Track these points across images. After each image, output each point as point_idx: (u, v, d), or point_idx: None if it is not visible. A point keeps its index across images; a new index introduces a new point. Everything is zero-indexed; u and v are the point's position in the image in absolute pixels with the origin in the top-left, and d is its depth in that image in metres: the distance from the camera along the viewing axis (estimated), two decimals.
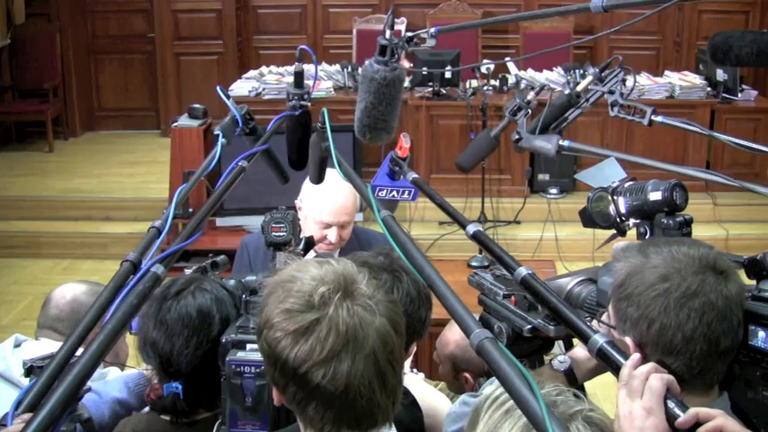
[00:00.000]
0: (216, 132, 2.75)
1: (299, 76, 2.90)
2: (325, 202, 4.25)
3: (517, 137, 2.71)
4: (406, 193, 2.80)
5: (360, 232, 4.65)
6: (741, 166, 9.64)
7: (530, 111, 2.77)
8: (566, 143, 2.57)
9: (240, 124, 2.82)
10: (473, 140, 3.10)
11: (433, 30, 2.63)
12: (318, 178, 3.05)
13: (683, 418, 1.79)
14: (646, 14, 2.45)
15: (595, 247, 8.51)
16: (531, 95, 2.82)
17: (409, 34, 2.62)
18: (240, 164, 2.40)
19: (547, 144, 2.60)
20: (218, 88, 3.04)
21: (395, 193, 2.79)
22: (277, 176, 3.08)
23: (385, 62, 2.55)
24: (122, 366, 3.61)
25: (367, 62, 2.60)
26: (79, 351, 1.67)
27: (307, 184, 4.30)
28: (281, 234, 2.89)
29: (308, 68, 2.83)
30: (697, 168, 2.44)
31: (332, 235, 4.30)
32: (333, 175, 4.14)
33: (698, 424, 1.79)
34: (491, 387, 2.53)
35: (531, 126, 2.73)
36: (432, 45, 2.66)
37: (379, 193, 2.75)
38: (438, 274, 1.76)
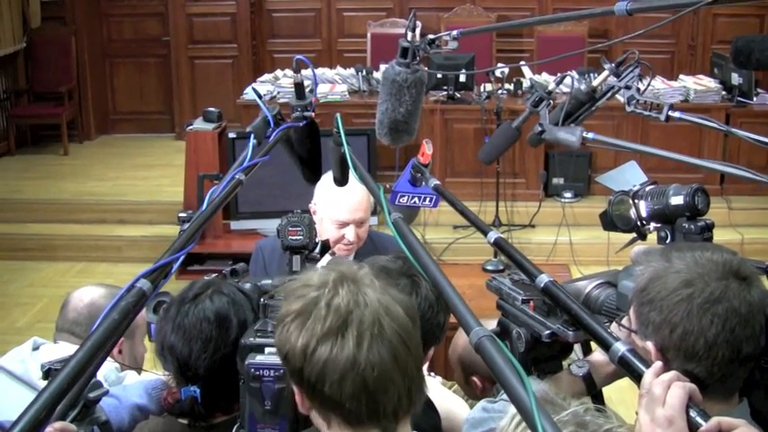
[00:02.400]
0: (247, 131, 2.73)
1: (299, 87, 2.89)
2: (341, 200, 4.25)
3: (540, 129, 2.69)
4: (428, 199, 2.79)
5: (375, 236, 4.65)
6: (756, 168, 9.53)
7: (551, 102, 2.75)
8: (590, 135, 2.55)
9: (272, 125, 2.80)
10: (494, 133, 3.08)
11: (455, 32, 2.63)
12: (342, 180, 3.04)
13: (705, 427, 1.76)
14: (664, 21, 2.43)
15: (610, 250, 8.54)
16: (552, 86, 2.80)
17: (431, 37, 2.62)
18: (237, 176, 2.37)
19: (571, 136, 2.58)
20: (251, 88, 3.05)
21: (416, 199, 2.79)
22: (305, 176, 3.07)
23: (406, 64, 2.55)
24: (139, 370, 3.62)
25: (388, 64, 2.60)
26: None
27: (320, 187, 4.30)
28: (298, 238, 2.88)
29: (322, 72, 2.82)
30: (720, 162, 2.43)
31: (350, 233, 4.30)
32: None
33: None
34: None
35: (551, 120, 2.72)
36: (453, 48, 2.66)
37: (401, 200, 2.75)
38: (443, 275, 1.76)
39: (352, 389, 1.94)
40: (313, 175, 3.06)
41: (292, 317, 1.99)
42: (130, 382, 3.28)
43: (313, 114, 2.89)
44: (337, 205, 4.27)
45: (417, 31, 2.65)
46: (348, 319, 1.93)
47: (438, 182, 2.71)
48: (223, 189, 2.29)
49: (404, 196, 2.76)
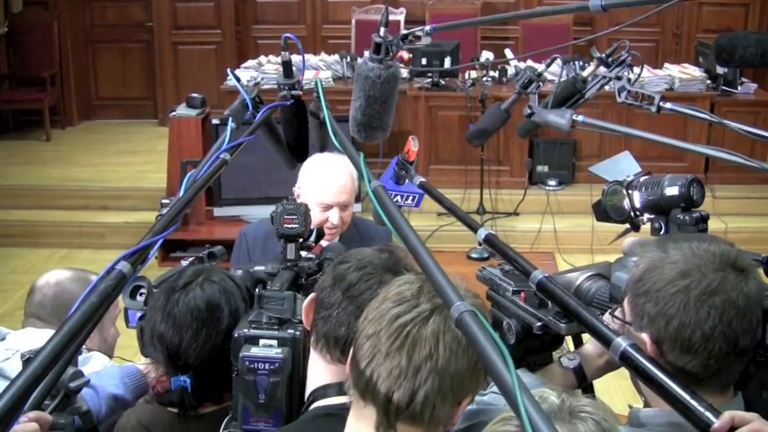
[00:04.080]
0: (225, 115, 2.69)
1: (287, 65, 2.86)
2: (325, 182, 4.25)
3: (529, 111, 2.66)
4: (410, 198, 2.75)
5: (359, 222, 4.64)
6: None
7: (541, 84, 2.73)
8: (580, 118, 2.52)
9: (250, 108, 2.76)
10: (483, 115, 3.05)
11: (428, 28, 2.62)
12: (321, 146, 3.00)
13: (717, 424, 1.69)
14: (649, 13, 2.40)
15: (594, 239, 8.53)
16: (541, 68, 2.77)
17: (404, 32, 2.60)
18: (222, 156, 2.32)
19: (560, 119, 2.55)
20: (228, 71, 2.99)
21: (398, 198, 2.75)
22: (285, 161, 3.04)
23: (380, 60, 2.53)
24: (111, 350, 3.61)
25: (361, 60, 2.57)
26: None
27: (304, 170, 4.29)
28: (294, 226, 2.83)
29: (306, 59, 2.80)
30: (711, 147, 2.41)
31: (334, 216, 4.29)
32: (329, 157, 4.10)
33: (732, 428, 1.73)
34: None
35: (541, 105, 2.69)
36: (427, 43, 2.64)
37: None
38: (424, 246, 1.73)
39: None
40: (299, 157, 3.02)
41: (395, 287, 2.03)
42: (105, 369, 3.25)
43: (301, 93, 2.85)
44: (321, 187, 4.26)
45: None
46: (398, 314, 1.94)
47: (424, 179, 2.67)
48: (205, 170, 2.24)
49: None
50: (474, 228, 2.34)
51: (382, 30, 2.53)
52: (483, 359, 1.38)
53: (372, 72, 2.53)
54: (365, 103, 2.56)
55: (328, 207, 4.29)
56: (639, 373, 1.79)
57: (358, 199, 5.86)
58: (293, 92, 2.85)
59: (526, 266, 2.13)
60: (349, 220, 4.43)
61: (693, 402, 1.70)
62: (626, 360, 1.78)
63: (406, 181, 2.73)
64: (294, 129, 2.91)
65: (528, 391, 1.29)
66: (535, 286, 2.09)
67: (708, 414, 1.68)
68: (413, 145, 2.70)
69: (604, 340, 1.83)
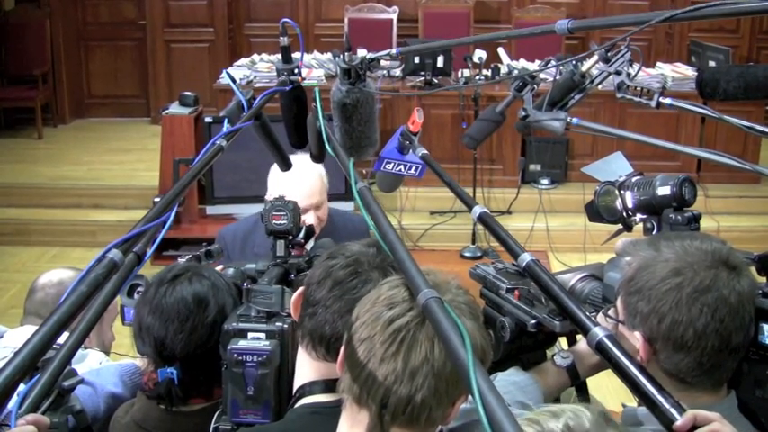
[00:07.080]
0: (221, 116, 2.68)
1: (285, 50, 2.84)
2: (294, 189, 4.22)
3: (524, 114, 2.66)
4: (413, 168, 2.73)
5: (335, 215, 4.65)
6: (733, 155, 9.50)
7: (535, 87, 2.72)
8: (574, 120, 2.53)
9: (245, 109, 2.76)
10: (478, 117, 3.05)
11: (393, 51, 2.62)
12: (320, 156, 3.00)
13: (680, 422, 1.67)
14: (647, 24, 2.40)
15: (586, 238, 8.52)
16: (535, 68, 2.78)
17: (370, 56, 2.61)
18: (218, 143, 2.31)
19: (554, 121, 2.55)
20: (225, 72, 2.98)
21: (402, 167, 2.73)
22: (279, 162, 3.03)
23: (352, 83, 2.53)
24: (107, 353, 3.61)
25: (334, 88, 2.58)
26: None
27: (271, 179, 4.31)
28: (282, 222, 2.86)
29: (299, 57, 2.80)
30: (705, 149, 2.42)
31: (310, 218, 4.32)
32: (294, 160, 4.13)
33: (695, 426, 1.71)
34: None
35: (536, 105, 2.69)
36: (394, 66, 2.65)
37: (386, 166, 2.69)
38: (401, 242, 1.80)
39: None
40: (299, 144, 3.01)
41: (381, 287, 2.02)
42: (104, 367, 3.26)
43: (300, 79, 2.84)
44: (292, 194, 4.25)
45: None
46: (392, 318, 1.92)
47: (426, 151, 2.67)
48: (201, 157, 2.22)
49: (390, 163, 2.70)
50: (469, 205, 2.34)
51: (347, 55, 2.54)
52: (444, 342, 1.42)
53: (348, 98, 2.54)
54: (349, 127, 2.57)
55: (304, 211, 4.30)
56: (612, 365, 1.78)
57: (346, 197, 5.91)
58: (292, 77, 2.85)
59: (515, 248, 2.14)
60: (326, 217, 4.48)
61: (660, 398, 1.69)
62: (601, 351, 1.77)
63: (410, 151, 2.73)
64: (294, 114, 2.90)
65: (484, 371, 1.33)
66: (522, 269, 2.09)
67: (672, 411, 1.67)
68: (417, 116, 2.69)
69: (583, 329, 1.83)
